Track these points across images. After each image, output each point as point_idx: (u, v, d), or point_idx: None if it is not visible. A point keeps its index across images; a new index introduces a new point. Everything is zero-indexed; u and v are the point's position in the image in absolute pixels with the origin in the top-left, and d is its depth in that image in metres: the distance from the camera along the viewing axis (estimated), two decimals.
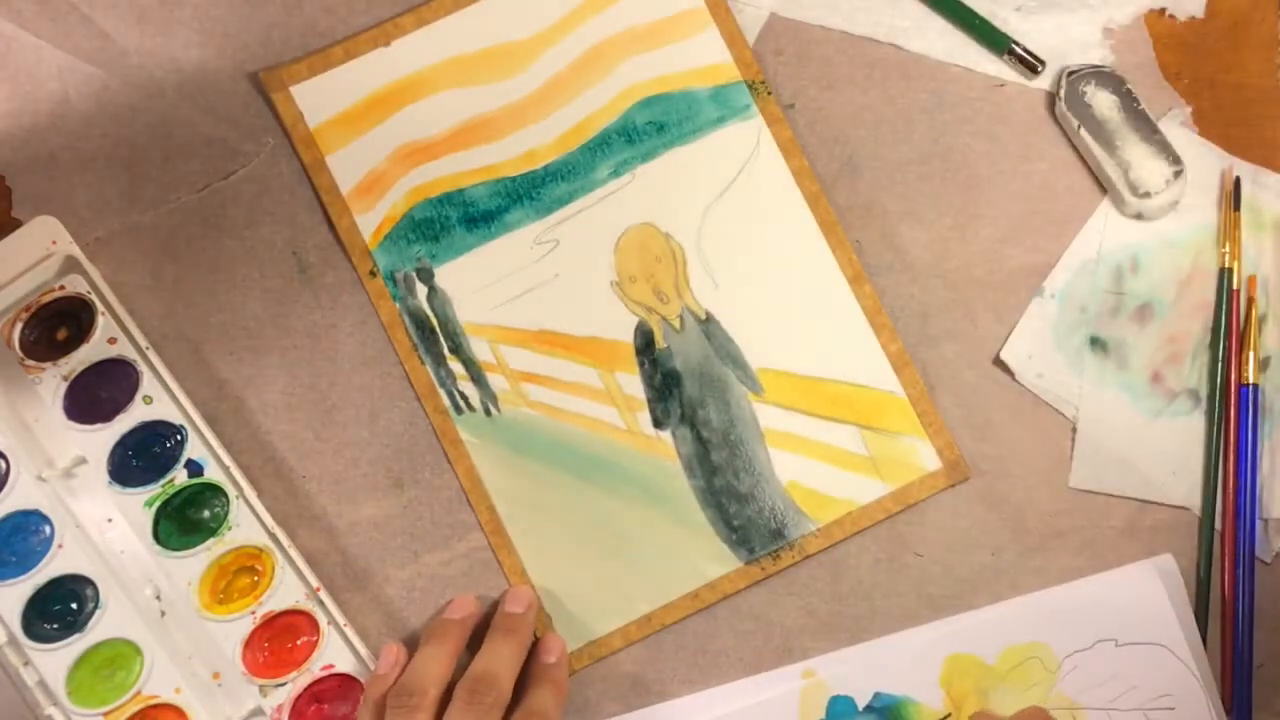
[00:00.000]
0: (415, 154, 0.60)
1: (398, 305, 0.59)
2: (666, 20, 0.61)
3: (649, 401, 0.59)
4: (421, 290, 0.59)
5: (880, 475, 0.59)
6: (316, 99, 0.59)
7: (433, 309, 0.59)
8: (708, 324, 0.60)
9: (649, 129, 0.60)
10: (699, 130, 0.60)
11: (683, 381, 0.59)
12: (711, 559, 0.58)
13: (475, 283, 0.59)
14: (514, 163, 0.60)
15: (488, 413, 0.59)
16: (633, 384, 0.59)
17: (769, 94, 0.61)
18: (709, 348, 0.60)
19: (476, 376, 0.59)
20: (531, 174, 0.60)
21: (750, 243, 0.60)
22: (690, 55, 0.61)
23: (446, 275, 0.59)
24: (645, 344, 0.59)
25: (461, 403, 0.59)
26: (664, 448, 0.59)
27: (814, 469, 0.59)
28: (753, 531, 0.59)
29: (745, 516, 0.59)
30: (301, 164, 0.59)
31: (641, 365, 0.59)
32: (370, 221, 0.59)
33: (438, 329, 0.59)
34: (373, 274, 0.59)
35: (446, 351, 0.59)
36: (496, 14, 0.60)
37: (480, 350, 0.59)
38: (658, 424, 0.59)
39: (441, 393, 0.59)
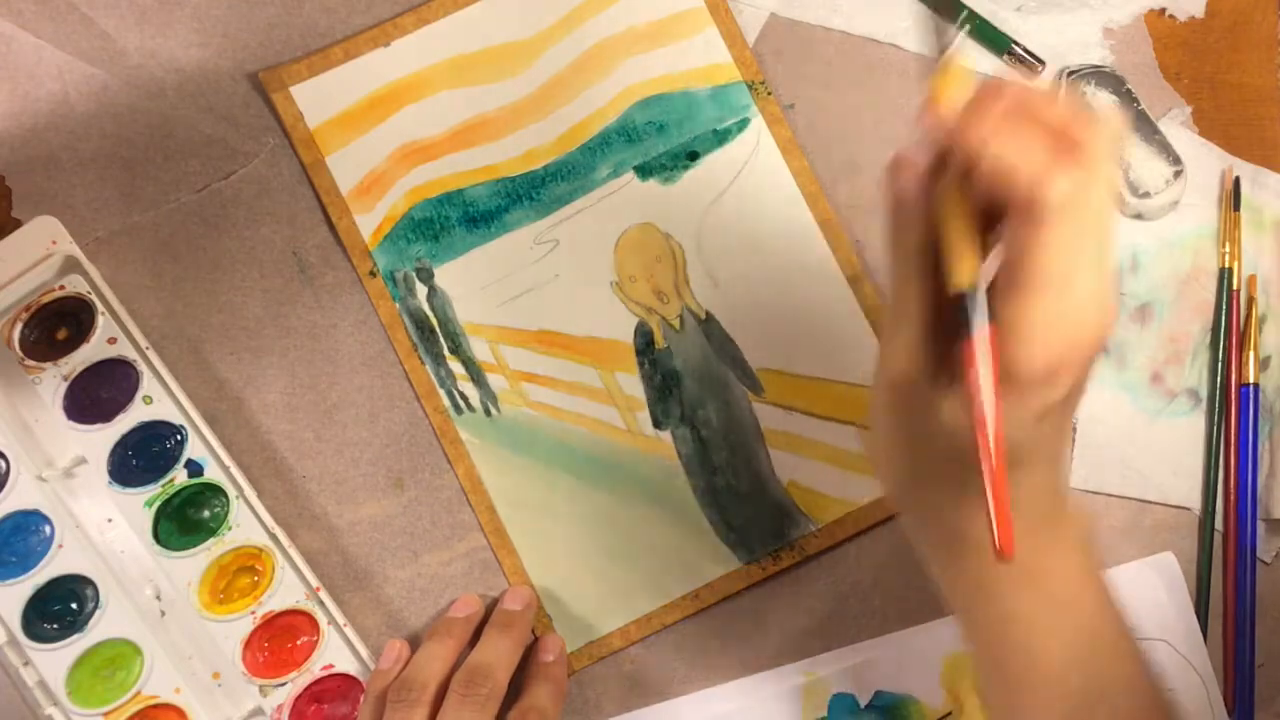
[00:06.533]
0: (415, 154, 0.60)
1: (397, 305, 0.59)
2: (666, 20, 0.61)
3: (649, 401, 0.59)
4: (421, 290, 0.59)
5: None
6: (316, 99, 0.59)
7: (432, 309, 0.59)
8: (708, 324, 0.60)
9: (649, 129, 0.60)
10: (699, 130, 0.60)
11: (683, 381, 0.59)
12: (711, 559, 0.58)
13: (475, 283, 0.59)
14: (514, 163, 0.60)
15: (488, 413, 0.59)
16: (633, 384, 0.59)
17: (769, 94, 0.61)
18: (709, 348, 0.60)
19: (476, 376, 0.59)
20: (531, 174, 0.60)
21: (750, 243, 0.60)
22: (690, 55, 0.61)
23: (446, 275, 0.59)
24: (645, 344, 0.59)
25: (461, 403, 0.59)
26: (664, 448, 0.59)
27: (814, 469, 0.59)
28: (753, 531, 0.59)
29: (745, 516, 0.59)
30: (301, 164, 0.59)
31: (641, 365, 0.59)
32: (370, 221, 0.59)
33: (437, 329, 0.59)
34: (372, 274, 0.59)
35: (446, 351, 0.59)
36: (496, 14, 0.60)
37: (480, 350, 0.59)
38: (658, 424, 0.59)
39: (441, 393, 0.59)
